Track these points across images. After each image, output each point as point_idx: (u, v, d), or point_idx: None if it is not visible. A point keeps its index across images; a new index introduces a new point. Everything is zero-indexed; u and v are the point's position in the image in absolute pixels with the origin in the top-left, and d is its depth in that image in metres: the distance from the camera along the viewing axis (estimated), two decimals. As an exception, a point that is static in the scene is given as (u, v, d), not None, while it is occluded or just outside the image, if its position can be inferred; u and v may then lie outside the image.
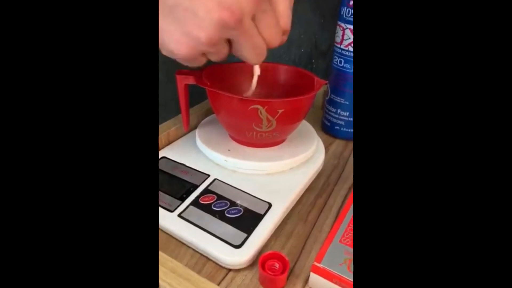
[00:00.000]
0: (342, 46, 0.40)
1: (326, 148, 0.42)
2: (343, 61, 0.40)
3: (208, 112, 0.45)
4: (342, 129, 0.44)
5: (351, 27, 0.38)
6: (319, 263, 0.24)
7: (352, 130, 0.44)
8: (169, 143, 0.40)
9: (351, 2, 0.37)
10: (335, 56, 0.41)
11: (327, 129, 0.46)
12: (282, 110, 0.31)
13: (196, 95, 0.44)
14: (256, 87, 0.40)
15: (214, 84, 0.33)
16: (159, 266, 0.23)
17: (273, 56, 0.59)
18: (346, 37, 0.39)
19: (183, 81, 0.35)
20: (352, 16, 0.37)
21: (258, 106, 0.30)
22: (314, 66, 0.56)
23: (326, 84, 0.37)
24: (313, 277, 0.25)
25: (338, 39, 0.40)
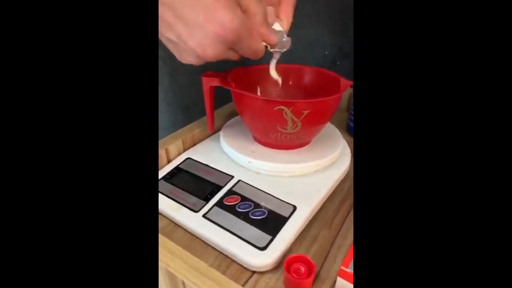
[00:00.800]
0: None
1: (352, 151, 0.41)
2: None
3: (232, 114, 0.45)
4: (368, 132, 0.43)
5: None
6: (347, 267, 0.23)
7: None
8: (193, 144, 0.40)
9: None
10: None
11: (352, 131, 0.45)
12: (308, 111, 0.31)
13: (220, 97, 0.45)
14: (281, 88, 0.40)
15: (239, 86, 0.33)
16: (184, 264, 0.23)
17: (296, 58, 0.59)
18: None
19: (208, 83, 0.35)
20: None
21: (283, 107, 0.30)
22: (338, 68, 0.55)
23: (351, 85, 0.36)
24: (340, 282, 0.24)
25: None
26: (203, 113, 0.40)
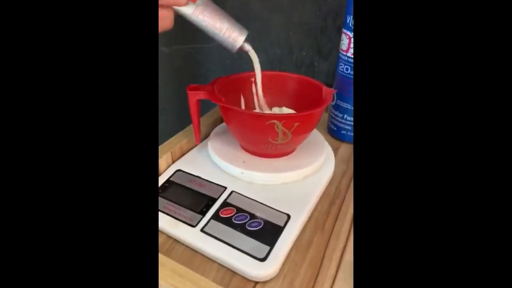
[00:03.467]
0: (348, 54, 0.41)
1: (334, 152, 0.43)
2: (349, 68, 0.41)
3: (217, 121, 0.45)
4: (348, 133, 0.45)
5: (357, 35, 0.39)
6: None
7: (358, 134, 0.45)
8: (182, 155, 0.40)
9: (357, 12, 0.38)
10: (341, 63, 0.42)
11: (334, 133, 0.47)
12: (298, 123, 0.32)
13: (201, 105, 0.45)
14: (265, 95, 0.41)
15: (224, 97, 0.34)
16: (189, 283, 0.24)
17: (276, 58, 0.60)
18: (352, 45, 0.40)
19: (195, 97, 0.35)
20: (358, 25, 0.38)
21: (275, 121, 0.31)
22: (316, 69, 0.57)
23: (334, 92, 0.38)
24: None
25: (344, 47, 0.41)
26: (179, 113, 0.40)
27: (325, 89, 0.37)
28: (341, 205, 0.36)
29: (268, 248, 0.29)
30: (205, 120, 0.45)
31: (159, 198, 0.34)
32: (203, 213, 0.32)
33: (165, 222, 0.31)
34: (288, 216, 0.32)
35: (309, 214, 0.33)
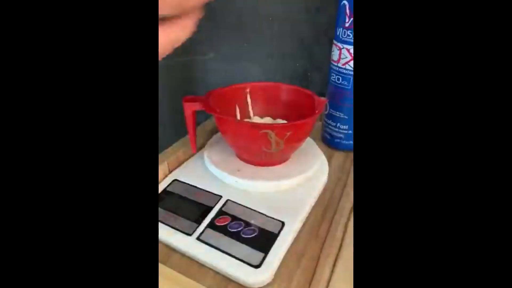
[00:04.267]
0: (339, 64, 0.42)
1: (328, 161, 0.44)
2: (341, 78, 0.42)
3: (213, 131, 0.46)
4: (342, 141, 0.46)
5: (347, 47, 0.40)
6: None
7: (351, 142, 0.46)
8: (178, 165, 0.41)
9: (347, 24, 0.39)
10: (333, 74, 0.44)
11: (328, 142, 0.48)
12: (290, 132, 0.33)
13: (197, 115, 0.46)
14: (259, 105, 0.42)
15: (219, 108, 0.35)
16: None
17: (270, 70, 0.61)
18: (343, 56, 0.41)
19: (190, 108, 0.36)
20: (348, 37, 0.40)
21: (268, 131, 0.32)
22: (309, 79, 0.58)
23: (326, 102, 0.39)
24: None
25: (335, 58, 0.42)
26: (175, 123, 0.41)
27: (317, 98, 0.38)
28: (335, 212, 0.36)
29: (262, 255, 0.29)
30: (201, 131, 0.46)
31: (156, 207, 0.35)
32: (199, 222, 0.33)
33: (161, 231, 0.32)
34: (283, 224, 0.32)
35: (303, 221, 0.34)
